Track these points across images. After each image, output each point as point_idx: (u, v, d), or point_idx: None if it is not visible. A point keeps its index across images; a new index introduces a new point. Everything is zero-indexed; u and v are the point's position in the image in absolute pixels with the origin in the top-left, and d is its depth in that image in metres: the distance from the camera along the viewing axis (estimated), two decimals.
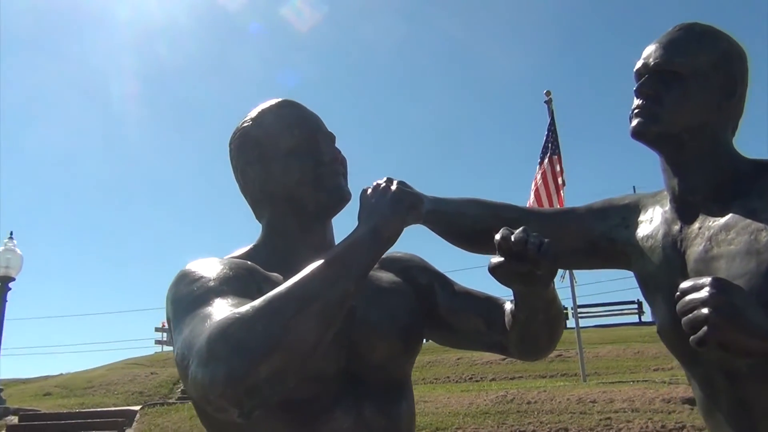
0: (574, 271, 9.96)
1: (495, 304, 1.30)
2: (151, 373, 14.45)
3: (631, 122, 1.23)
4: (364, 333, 1.15)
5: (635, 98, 1.23)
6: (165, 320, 1.14)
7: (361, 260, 0.96)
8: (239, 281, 1.06)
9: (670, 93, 1.19)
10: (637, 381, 9.44)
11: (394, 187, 1.05)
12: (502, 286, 1.11)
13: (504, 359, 12.07)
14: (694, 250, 1.18)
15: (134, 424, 9.38)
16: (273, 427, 1.05)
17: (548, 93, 10.54)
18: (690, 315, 0.96)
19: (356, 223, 1.05)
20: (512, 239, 1.04)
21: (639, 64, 1.25)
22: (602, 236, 1.36)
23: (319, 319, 0.88)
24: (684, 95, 1.18)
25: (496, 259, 1.07)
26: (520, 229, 1.07)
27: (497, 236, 1.07)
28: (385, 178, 1.18)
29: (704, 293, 0.95)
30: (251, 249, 1.25)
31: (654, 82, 1.21)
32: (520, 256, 1.04)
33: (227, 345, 0.84)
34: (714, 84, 1.18)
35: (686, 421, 7.17)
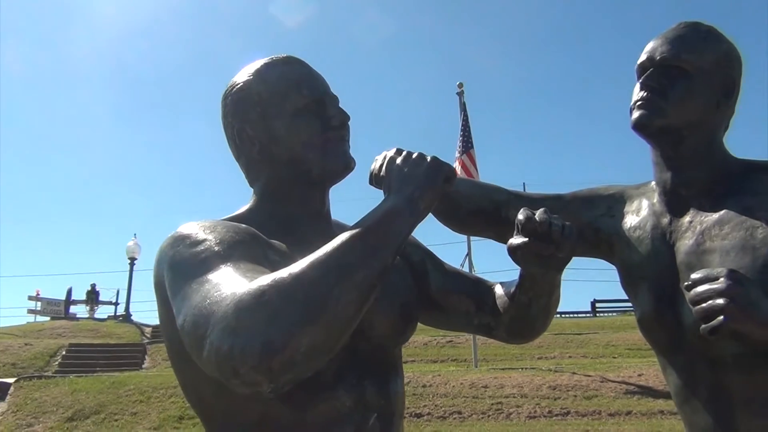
0: (474, 260, 10.29)
1: (486, 286, 1.29)
2: (25, 344, 13.53)
3: (632, 114, 1.25)
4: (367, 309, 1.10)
5: (638, 90, 1.25)
6: (156, 285, 1.03)
7: (400, 230, 0.91)
8: (246, 246, 0.98)
9: (675, 88, 1.21)
10: (525, 368, 9.91)
11: (429, 156, 1.01)
12: (517, 265, 1.10)
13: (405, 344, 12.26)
14: (685, 243, 1.21)
15: (8, 397, 8.77)
16: (268, 404, 0.98)
17: (460, 85, 10.66)
18: (704, 304, 0.99)
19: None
20: (537, 219, 1.03)
21: (643, 57, 1.27)
22: (588, 225, 1.38)
23: (360, 291, 0.83)
24: (688, 91, 1.21)
25: (519, 239, 1.06)
26: (542, 210, 1.06)
27: (521, 216, 1.05)
28: (394, 149, 1.13)
29: (720, 284, 0.98)
30: (246, 212, 1.16)
31: (659, 76, 1.23)
32: (543, 237, 1.03)
33: (263, 313, 0.77)
34: (716, 83, 1.22)
35: (571, 407, 7.62)
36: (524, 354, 12.07)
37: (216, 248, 0.95)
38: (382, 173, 1.06)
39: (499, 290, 1.27)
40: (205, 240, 0.97)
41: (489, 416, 7.56)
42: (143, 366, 12.69)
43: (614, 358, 11.44)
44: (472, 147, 9.77)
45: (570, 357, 11.95)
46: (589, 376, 8.90)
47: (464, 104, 10.26)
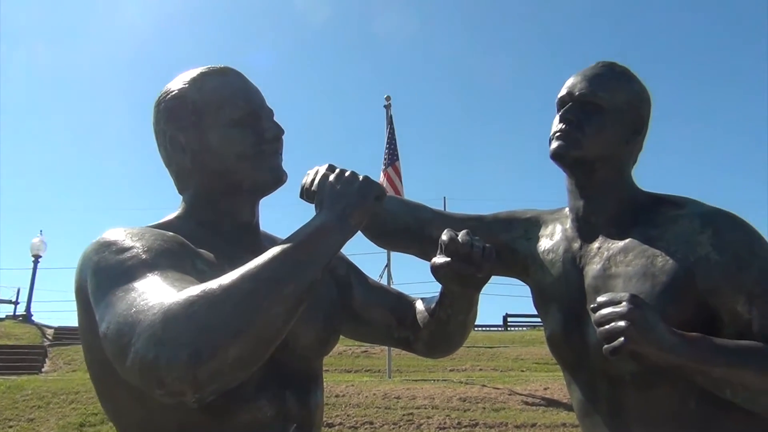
0: (393, 272, 10.39)
1: (407, 302, 1.34)
2: None
3: (551, 144, 1.33)
4: None
5: (558, 122, 1.33)
6: (77, 291, 1.01)
7: (329, 246, 0.94)
8: (174, 255, 0.98)
9: (591, 123, 1.29)
10: (437, 380, 10.07)
11: (361, 176, 1.04)
12: (439, 283, 1.15)
13: None
14: (593, 267, 1.30)
15: None
16: (189, 413, 0.99)
17: (388, 98, 10.76)
18: (607, 326, 1.07)
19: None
20: (460, 241, 1.08)
21: (563, 92, 1.35)
22: (505, 246, 1.45)
23: (288, 304, 0.85)
24: (602, 126, 1.29)
25: (442, 259, 1.11)
26: (464, 231, 1.12)
27: (444, 237, 1.10)
28: (326, 165, 1.16)
29: (623, 308, 1.06)
30: (174, 220, 1.16)
31: (577, 111, 1.31)
32: (465, 257, 1.08)
33: (192, 324, 0.78)
34: (627, 120, 1.31)
35: (479, 418, 7.80)
36: (437, 366, 12.26)
37: (143, 256, 0.95)
38: (313, 188, 1.09)
39: (419, 306, 1.32)
40: (132, 247, 0.97)
41: (400, 427, 7.64)
42: (43, 370, 12.03)
43: (522, 371, 11.80)
44: (397, 159, 9.87)
45: (481, 370, 12.24)
46: (498, 388, 9.14)
47: (391, 117, 10.40)
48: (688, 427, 1.18)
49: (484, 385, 9.39)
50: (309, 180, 1.15)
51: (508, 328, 23.46)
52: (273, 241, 1.20)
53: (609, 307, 1.08)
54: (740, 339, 1.12)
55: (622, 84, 1.32)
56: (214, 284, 0.82)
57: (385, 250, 10.27)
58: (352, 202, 0.99)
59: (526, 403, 8.42)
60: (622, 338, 1.04)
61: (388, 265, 10.11)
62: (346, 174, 1.04)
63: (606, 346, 1.07)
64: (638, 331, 1.04)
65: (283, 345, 1.09)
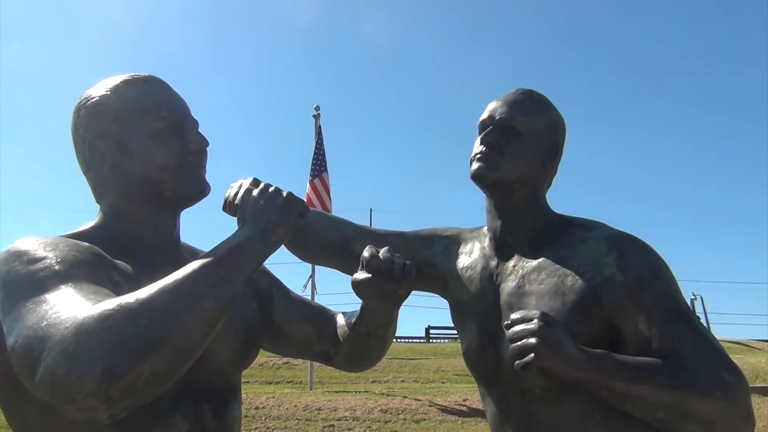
0: (317, 282, 10.34)
1: (328, 316, 1.35)
2: None
3: (471, 165, 1.37)
4: None
5: (479, 144, 1.38)
6: None
7: (251, 262, 0.94)
8: (89, 266, 0.96)
9: (510, 146, 1.35)
10: (359, 392, 10.07)
11: (285, 192, 1.05)
12: (359, 299, 1.17)
13: None
14: (508, 285, 1.35)
15: None
16: (99, 430, 0.96)
17: (317, 108, 10.71)
18: (519, 343, 1.11)
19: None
20: (381, 258, 1.10)
21: (485, 115, 1.40)
22: (425, 262, 1.49)
23: (207, 319, 0.85)
24: (520, 150, 1.35)
25: (363, 275, 1.13)
26: (386, 249, 1.14)
27: (365, 253, 1.12)
28: (251, 179, 1.16)
29: (534, 325, 1.11)
30: (90, 230, 1.12)
31: (497, 134, 1.36)
32: (385, 274, 1.11)
33: (106, 338, 0.77)
34: (543, 145, 1.37)
35: (400, 430, 7.85)
36: (359, 377, 12.26)
37: (56, 267, 0.92)
38: (237, 202, 1.09)
39: (340, 320, 1.34)
40: (44, 258, 0.94)
41: None
42: None
43: (443, 383, 11.96)
44: (325, 170, 9.82)
45: (402, 381, 12.32)
46: (419, 400, 9.23)
47: (320, 127, 10.33)
48: None
49: (405, 397, 9.46)
50: (232, 193, 1.15)
51: (431, 340, 23.76)
52: (194, 254, 1.18)
53: (521, 324, 1.13)
54: (641, 356, 1.18)
55: (540, 111, 1.39)
56: (130, 297, 0.81)
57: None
58: (275, 218, 1.00)
59: (446, 415, 8.54)
60: (532, 354, 1.09)
61: (312, 276, 10.04)
62: (270, 189, 1.05)
63: (517, 361, 1.11)
64: (547, 347, 1.09)
65: (201, 359, 1.08)
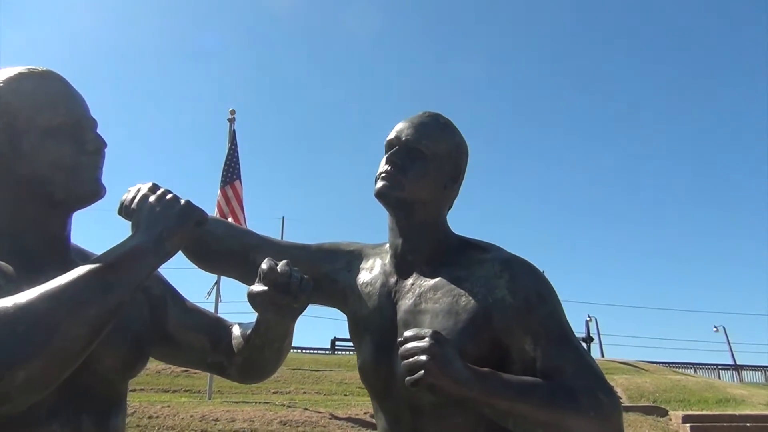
0: (221, 291, 10.10)
1: (223, 326, 1.34)
2: None
3: (376, 183, 1.40)
4: None
5: (384, 164, 1.41)
6: None
7: (142, 269, 0.92)
8: None
9: (414, 167, 1.39)
10: (259, 402, 9.89)
11: (183, 199, 1.03)
12: (255, 311, 1.16)
13: None
14: (405, 302, 1.38)
15: None
16: None
17: (232, 112, 10.48)
18: (410, 359, 1.14)
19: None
20: (279, 271, 1.11)
21: (392, 135, 1.44)
22: (327, 276, 1.50)
23: (90, 327, 0.82)
24: (424, 172, 1.39)
25: (259, 287, 1.12)
26: (284, 262, 1.14)
27: (264, 266, 1.12)
28: (149, 184, 1.14)
29: (425, 343, 1.14)
30: None
31: (402, 155, 1.40)
32: (282, 287, 1.11)
33: None
34: (446, 168, 1.42)
35: None
36: (260, 388, 12.05)
37: None
38: (133, 206, 1.06)
39: (236, 331, 1.32)
40: None
41: None
42: None
43: (345, 395, 11.94)
44: (238, 177, 9.59)
45: (305, 393, 12.21)
46: (320, 412, 9.18)
47: (234, 132, 10.11)
48: None
49: (306, 409, 9.38)
50: (129, 197, 1.12)
51: (336, 352, 23.69)
52: (85, 258, 1.14)
53: (413, 342, 1.16)
54: (526, 375, 1.24)
55: (445, 135, 1.43)
56: (8, 302, 0.78)
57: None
58: (171, 226, 0.98)
59: (346, 428, 8.53)
60: (422, 371, 1.12)
61: (217, 283, 9.80)
62: (168, 196, 1.03)
63: (407, 377, 1.14)
64: (437, 365, 1.12)
65: (84, 367, 1.05)
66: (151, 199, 1.02)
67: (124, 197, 1.15)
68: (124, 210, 1.11)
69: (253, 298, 1.13)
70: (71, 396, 1.02)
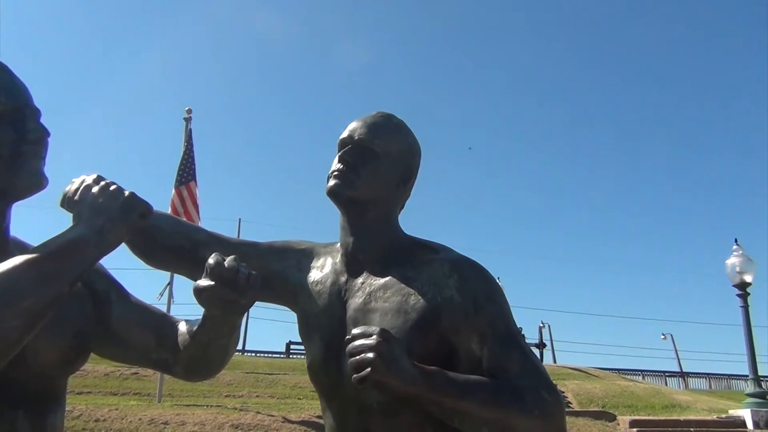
0: (175, 291, 9.93)
1: (169, 323, 1.32)
2: None
3: (328, 182, 1.40)
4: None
5: (337, 162, 1.41)
6: None
7: (82, 261, 0.90)
8: None
9: (366, 166, 1.40)
10: (210, 405, 9.75)
11: (127, 191, 1.01)
12: (202, 306, 1.15)
13: (81, 373, 11.20)
14: (355, 301, 1.39)
15: None
16: None
17: (189, 111, 10.34)
18: (358, 357, 1.15)
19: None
20: (226, 266, 1.10)
21: (345, 134, 1.44)
22: (277, 274, 1.49)
23: (25, 318, 0.80)
24: (376, 171, 1.40)
25: (206, 282, 1.11)
26: (232, 257, 1.13)
27: (211, 261, 1.11)
28: (94, 176, 1.12)
29: (372, 340, 1.15)
30: None
31: (355, 154, 1.40)
32: (229, 283, 1.10)
33: None
34: (398, 168, 1.43)
35: None
36: (212, 391, 11.88)
37: None
38: (76, 198, 1.04)
39: (182, 328, 1.31)
40: None
41: None
42: None
43: (299, 399, 11.86)
44: (194, 178, 9.46)
45: (258, 396, 12.08)
46: (273, 416, 9.09)
47: (190, 131, 9.97)
48: None
49: (258, 412, 9.27)
50: (72, 189, 1.09)
51: (291, 356, 23.50)
52: (24, 250, 1.11)
53: (361, 339, 1.16)
54: (472, 374, 1.25)
55: (398, 135, 1.45)
56: None
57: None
58: (113, 217, 0.97)
59: (300, 430, 8.47)
60: (368, 368, 1.12)
61: (170, 284, 9.63)
62: (111, 187, 1.01)
63: (354, 375, 1.14)
64: (383, 362, 1.13)
65: (21, 361, 1.02)
66: (94, 189, 1.00)
67: (67, 188, 1.12)
68: (67, 202, 1.09)
69: (199, 293, 1.12)
70: (6, 391, 1.00)
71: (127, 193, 1.01)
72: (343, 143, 1.44)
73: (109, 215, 0.97)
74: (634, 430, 10.82)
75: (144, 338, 1.27)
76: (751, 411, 11.42)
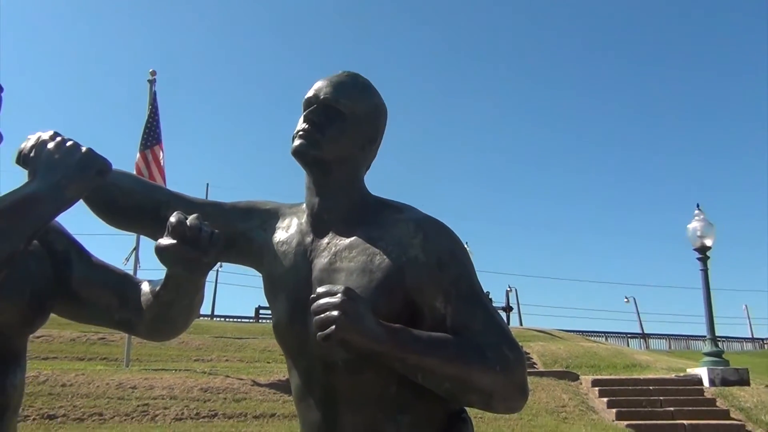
0: (141, 256, 9.83)
1: (132, 283, 1.30)
2: None
3: (294, 141, 1.39)
4: None
5: (302, 122, 1.39)
6: None
7: (38, 217, 0.88)
8: None
9: (331, 126, 1.38)
10: (179, 370, 9.76)
11: (84, 147, 0.99)
12: (163, 266, 1.13)
13: (39, 336, 11.08)
14: (321, 261, 1.38)
15: None
16: None
17: (153, 72, 10.12)
18: (322, 315, 1.15)
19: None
20: (188, 224, 1.08)
21: (310, 93, 1.42)
22: (242, 234, 1.48)
23: None
24: (341, 131, 1.38)
25: (168, 240, 1.10)
26: (194, 216, 1.12)
27: (172, 219, 1.09)
28: (50, 132, 1.09)
29: (337, 298, 1.15)
30: None
31: (320, 114, 1.39)
32: (192, 241, 1.09)
33: None
34: (364, 129, 1.42)
35: (219, 409, 7.73)
36: (181, 356, 11.89)
37: None
38: (31, 154, 1.01)
39: (145, 288, 1.29)
40: None
41: (133, 418, 7.26)
42: None
43: (268, 363, 11.94)
44: (159, 142, 9.29)
45: (227, 360, 12.13)
46: (242, 379, 9.15)
47: (155, 93, 9.77)
48: (389, 409, 1.31)
49: (227, 376, 9.32)
50: (28, 145, 1.06)
51: (260, 320, 23.58)
52: None
53: (326, 298, 1.17)
54: (436, 332, 1.27)
55: (364, 95, 1.43)
56: None
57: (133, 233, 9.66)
58: (70, 174, 0.94)
59: (268, 394, 8.54)
60: (333, 326, 1.13)
61: (136, 248, 9.54)
62: (68, 143, 0.99)
63: (319, 333, 1.15)
64: (348, 320, 1.13)
65: None
66: (50, 146, 0.98)
67: (22, 145, 1.09)
68: (22, 158, 1.06)
69: (160, 251, 1.11)
70: None
71: (84, 149, 0.99)
72: (309, 103, 1.42)
73: (66, 171, 0.94)
74: (596, 389, 11.16)
75: (106, 298, 1.26)
76: (708, 369, 11.86)
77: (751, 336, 37.73)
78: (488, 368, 1.22)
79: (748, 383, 11.70)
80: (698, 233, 12.62)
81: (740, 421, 9.98)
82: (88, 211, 1.38)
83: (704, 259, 12.64)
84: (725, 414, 10.34)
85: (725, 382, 11.62)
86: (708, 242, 12.65)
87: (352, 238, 1.37)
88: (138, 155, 9.14)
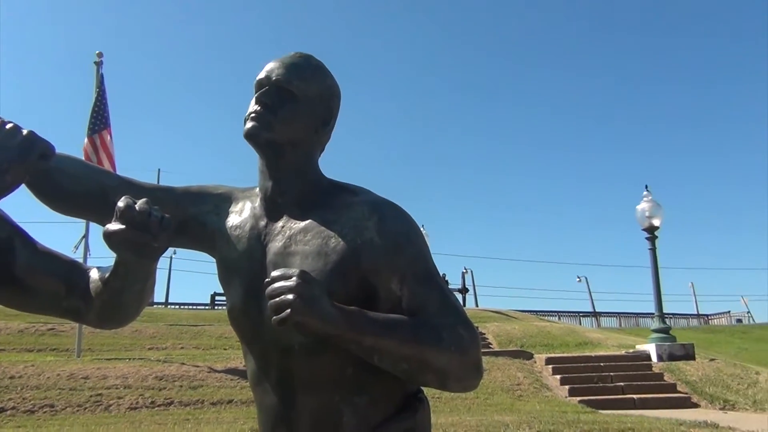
0: (91, 244, 9.60)
1: (80, 270, 1.27)
2: None
3: (246, 124, 1.36)
4: None
5: (254, 104, 1.37)
6: None
7: None
8: None
9: (284, 108, 1.36)
10: (133, 359, 9.60)
11: (25, 130, 0.95)
12: (112, 251, 1.10)
13: None
14: (275, 245, 1.37)
15: None
16: None
17: (99, 54, 9.82)
18: (277, 299, 1.14)
19: None
20: (137, 209, 1.06)
21: (262, 75, 1.40)
22: (194, 219, 1.45)
23: None
24: (294, 113, 1.37)
25: (116, 225, 1.07)
26: (144, 200, 1.09)
27: (121, 203, 1.07)
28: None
29: (291, 282, 1.14)
30: None
31: (273, 95, 1.37)
32: (141, 226, 1.06)
33: None
34: (317, 111, 1.41)
35: (175, 397, 7.64)
36: (135, 345, 11.69)
37: None
38: None
39: (94, 275, 1.26)
40: None
41: (86, 409, 7.11)
42: None
43: (225, 349, 11.84)
44: (107, 126, 9.04)
45: (182, 348, 11.97)
46: (198, 366, 9.06)
47: (102, 76, 9.47)
48: (346, 390, 1.32)
49: (183, 363, 9.21)
50: None
51: (216, 307, 23.34)
52: None
53: (280, 281, 1.16)
54: (392, 313, 1.28)
55: (317, 77, 1.41)
56: None
57: (83, 220, 9.42)
58: (11, 157, 0.91)
59: (225, 380, 8.48)
60: (288, 310, 1.12)
61: (86, 236, 9.30)
62: (8, 126, 0.95)
63: (274, 317, 1.14)
64: (303, 303, 1.13)
65: None
66: None
67: None
68: None
69: (108, 236, 1.08)
70: None
71: (25, 131, 0.95)
72: (260, 84, 1.40)
73: (6, 155, 0.91)
74: (550, 366, 11.45)
75: (53, 286, 1.22)
76: (656, 345, 12.28)
77: (696, 312, 39.17)
78: (444, 348, 1.24)
79: (693, 358, 12.17)
80: (647, 213, 12.98)
81: (686, 393, 10.38)
82: (35, 198, 1.34)
83: (652, 239, 13.02)
84: (672, 387, 10.75)
85: (672, 357, 12.06)
86: (656, 222, 13.04)
87: (307, 222, 1.36)
88: (86, 140, 8.89)
